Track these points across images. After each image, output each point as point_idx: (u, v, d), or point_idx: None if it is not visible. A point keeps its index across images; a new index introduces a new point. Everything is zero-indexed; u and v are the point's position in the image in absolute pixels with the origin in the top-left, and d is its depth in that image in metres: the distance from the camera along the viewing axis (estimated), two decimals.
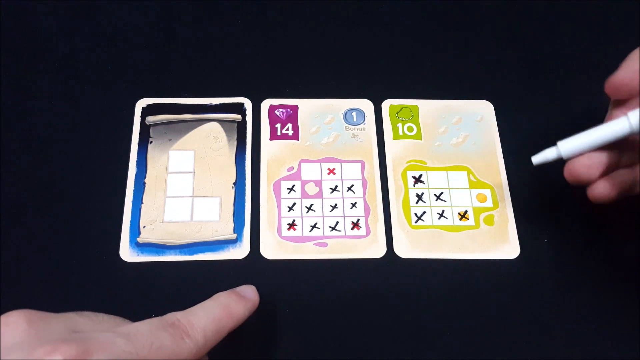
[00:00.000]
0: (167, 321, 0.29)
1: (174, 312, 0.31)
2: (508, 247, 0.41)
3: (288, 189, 0.43)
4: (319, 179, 0.43)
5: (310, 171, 0.44)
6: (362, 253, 0.40)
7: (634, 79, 0.34)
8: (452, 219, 0.42)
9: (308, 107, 0.46)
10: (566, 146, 0.37)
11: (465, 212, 0.42)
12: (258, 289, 0.39)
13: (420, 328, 0.38)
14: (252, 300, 0.35)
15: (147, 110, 0.46)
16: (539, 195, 0.43)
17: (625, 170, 0.37)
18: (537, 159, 0.38)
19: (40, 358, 0.25)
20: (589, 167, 0.36)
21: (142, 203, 0.42)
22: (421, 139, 0.45)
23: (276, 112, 0.46)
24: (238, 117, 0.46)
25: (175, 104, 0.46)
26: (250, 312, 0.34)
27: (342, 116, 0.46)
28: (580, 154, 0.36)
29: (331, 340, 0.37)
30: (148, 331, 0.28)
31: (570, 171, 0.36)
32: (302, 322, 0.38)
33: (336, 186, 0.43)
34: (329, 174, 0.43)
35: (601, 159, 0.36)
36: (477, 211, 0.42)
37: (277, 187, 0.43)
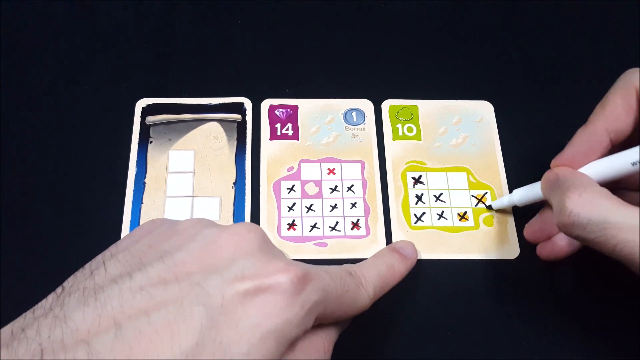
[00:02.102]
0: (347, 270, 0.31)
1: (349, 264, 0.32)
2: (508, 247, 0.41)
3: (288, 189, 0.43)
4: (319, 179, 0.43)
5: (310, 171, 0.44)
6: (362, 253, 0.40)
7: (575, 159, 0.36)
8: (452, 219, 0.42)
9: (308, 107, 0.46)
10: (518, 194, 0.40)
11: (465, 212, 0.42)
12: None
13: (420, 328, 0.38)
14: (412, 258, 0.37)
15: (147, 110, 0.46)
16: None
17: None
18: (495, 204, 0.42)
19: (272, 273, 0.26)
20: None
21: (142, 203, 0.42)
22: (421, 140, 0.45)
23: (276, 112, 0.46)
24: (238, 117, 0.46)
25: (175, 104, 0.46)
26: (409, 270, 0.36)
27: (342, 116, 0.46)
28: (531, 203, 0.39)
29: None
30: (339, 273, 0.30)
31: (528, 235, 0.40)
32: None
33: (336, 186, 0.43)
34: (328, 174, 0.43)
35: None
36: (477, 212, 0.42)
37: (277, 187, 0.43)
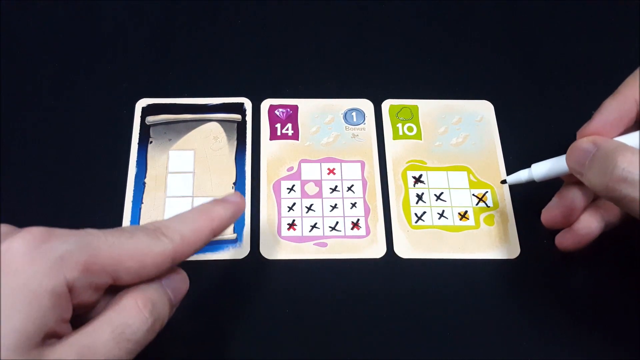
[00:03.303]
0: (145, 226, 0.30)
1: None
2: (508, 247, 0.41)
3: (288, 189, 0.43)
4: (319, 179, 0.43)
5: (310, 171, 0.44)
6: (362, 253, 0.40)
7: (604, 129, 0.35)
8: (452, 219, 0.42)
9: (308, 107, 0.46)
10: (538, 169, 0.38)
11: (466, 212, 0.42)
12: (258, 289, 0.39)
13: (420, 328, 0.38)
14: (234, 201, 0.33)
15: (147, 110, 0.46)
16: (539, 195, 0.43)
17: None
18: (511, 178, 0.39)
19: (9, 234, 0.27)
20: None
21: (142, 203, 0.42)
22: (421, 139, 0.45)
23: (276, 112, 0.46)
24: (238, 117, 0.46)
25: (175, 104, 0.46)
26: (234, 214, 0.33)
27: (342, 116, 0.46)
28: (551, 178, 0.38)
29: (331, 340, 0.37)
30: (127, 228, 0.29)
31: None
32: (302, 322, 0.38)
33: (336, 186, 0.43)
34: (328, 174, 0.43)
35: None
36: (477, 211, 0.42)
37: (277, 187, 0.43)
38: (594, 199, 0.38)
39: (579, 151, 0.35)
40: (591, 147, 0.34)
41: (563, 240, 0.38)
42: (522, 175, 0.39)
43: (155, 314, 0.28)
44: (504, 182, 0.40)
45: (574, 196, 0.37)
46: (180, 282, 0.31)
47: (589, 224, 0.37)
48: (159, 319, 0.29)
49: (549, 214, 0.38)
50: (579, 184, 0.36)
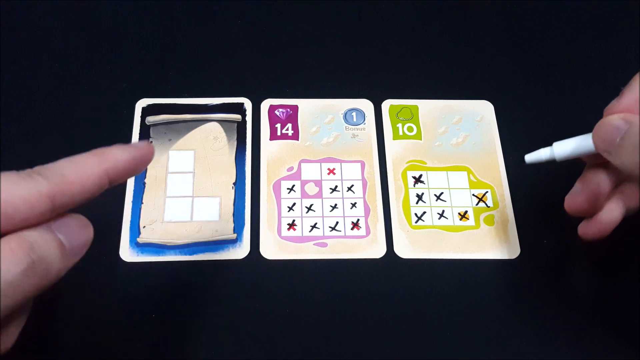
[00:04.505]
0: (23, 170, 0.28)
1: None
2: (508, 247, 0.41)
3: (288, 189, 0.43)
4: (319, 179, 0.43)
5: (310, 171, 0.44)
6: (362, 253, 0.40)
7: (631, 106, 0.34)
8: (452, 219, 0.42)
9: (308, 107, 0.46)
10: (560, 148, 0.36)
11: (466, 212, 0.42)
12: (258, 289, 0.39)
13: (420, 328, 0.38)
14: (136, 145, 0.30)
15: (147, 110, 0.46)
16: (539, 195, 0.43)
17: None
18: (531, 157, 0.37)
19: None
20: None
21: (142, 203, 0.42)
22: (421, 139, 0.45)
23: (276, 112, 0.46)
24: (238, 117, 0.46)
25: (175, 104, 0.46)
26: (134, 158, 0.30)
27: (342, 116, 0.46)
28: (574, 158, 0.36)
29: (331, 340, 0.37)
30: None
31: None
32: (302, 322, 0.38)
33: (336, 186, 0.43)
34: (329, 174, 0.43)
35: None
36: (477, 211, 0.42)
37: (277, 187, 0.43)
38: (617, 184, 0.36)
39: (609, 128, 0.33)
40: (622, 124, 0.32)
41: (587, 231, 0.37)
42: (542, 154, 0.36)
43: (34, 255, 0.26)
44: (523, 161, 0.37)
45: (600, 181, 0.35)
46: (76, 226, 0.29)
47: (613, 212, 0.36)
48: (40, 260, 0.27)
49: (574, 201, 0.36)
50: (603, 166, 0.35)
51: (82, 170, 0.28)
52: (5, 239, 0.26)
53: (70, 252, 0.28)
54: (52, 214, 0.27)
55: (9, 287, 0.25)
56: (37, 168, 0.28)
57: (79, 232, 0.29)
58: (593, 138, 0.34)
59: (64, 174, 0.28)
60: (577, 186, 0.36)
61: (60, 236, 0.28)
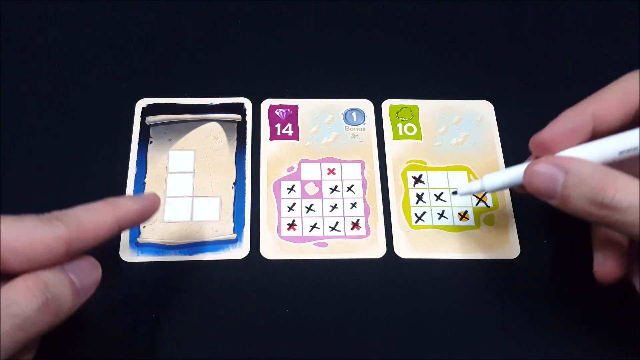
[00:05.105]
0: (42, 214, 0.30)
1: None
2: (508, 247, 0.41)
3: (288, 189, 0.43)
4: (319, 179, 0.43)
5: (310, 171, 0.44)
6: (362, 253, 0.40)
7: (555, 138, 0.34)
8: (452, 219, 0.42)
9: (308, 107, 0.46)
10: (490, 181, 0.36)
11: (466, 212, 0.42)
12: (258, 289, 0.39)
13: (420, 328, 0.38)
14: (146, 197, 0.33)
15: (147, 110, 0.46)
16: None
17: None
18: (462, 190, 0.37)
19: None
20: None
21: None
22: (421, 139, 0.45)
23: (276, 112, 0.46)
24: (238, 117, 0.46)
25: (175, 104, 0.46)
26: (144, 207, 0.33)
27: (342, 116, 0.46)
28: (502, 189, 0.36)
29: (331, 340, 0.37)
30: (21, 215, 0.29)
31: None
32: (302, 322, 0.38)
33: (336, 186, 0.43)
34: (328, 174, 0.43)
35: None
36: (477, 211, 0.42)
37: (277, 187, 0.43)
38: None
39: (544, 177, 0.33)
40: (556, 171, 0.33)
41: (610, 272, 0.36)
42: (473, 187, 0.36)
43: (48, 293, 0.28)
44: (454, 193, 0.37)
45: (618, 239, 0.35)
46: (87, 268, 0.31)
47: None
48: (54, 298, 0.29)
49: (606, 271, 0.36)
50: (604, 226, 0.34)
51: (97, 218, 0.31)
52: (22, 278, 0.28)
53: (81, 291, 0.31)
54: (66, 257, 0.30)
55: (25, 322, 0.27)
56: (55, 213, 0.30)
57: (89, 273, 0.31)
58: (528, 184, 0.34)
59: (81, 221, 0.30)
60: (598, 255, 0.36)
61: (73, 276, 0.30)
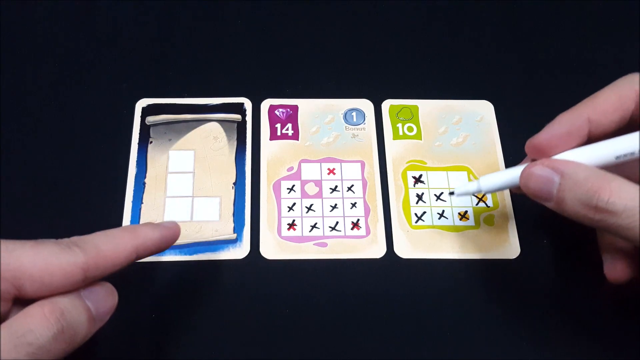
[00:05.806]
0: (61, 239, 0.30)
1: None
2: (508, 247, 0.41)
3: (288, 189, 0.43)
4: (319, 179, 0.43)
5: (310, 171, 0.44)
6: (362, 253, 0.40)
7: (551, 141, 0.35)
8: (452, 219, 0.42)
9: (308, 107, 0.46)
10: (486, 182, 0.36)
11: (466, 212, 0.42)
12: (258, 289, 0.39)
13: (420, 328, 0.38)
14: (166, 225, 0.33)
15: (147, 110, 0.46)
16: None
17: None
18: (459, 190, 0.37)
19: None
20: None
21: (142, 203, 0.42)
22: (421, 139, 0.45)
23: (276, 112, 0.46)
24: (238, 117, 0.46)
25: (175, 104, 0.46)
26: (164, 236, 0.33)
27: (342, 116, 0.46)
28: (499, 190, 0.36)
29: (331, 340, 0.37)
30: (40, 240, 0.29)
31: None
32: (302, 322, 0.38)
33: (336, 186, 0.43)
34: (329, 174, 0.43)
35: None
36: (477, 211, 0.42)
37: (277, 187, 0.43)
38: None
39: (540, 180, 0.33)
40: (552, 175, 0.33)
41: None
42: (470, 187, 0.36)
43: (64, 321, 0.28)
44: (451, 193, 0.37)
45: (623, 242, 0.35)
46: (104, 294, 0.31)
47: None
48: (69, 326, 0.28)
49: (616, 271, 0.36)
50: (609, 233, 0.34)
51: (116, 246, 0.30)
52: (39, 304, 0.28)
53: (97, 317, 0.30)
54: (83, 283, 0.29)
55: (39, 351, 0.27)
56: (74, 239, 0.30)
57: (105, 300, 0.31)
58: (525, 187, 0.34)
59: (99, 248, 0.30)
60: (607, 257, 0.37)
61: (89, 303, 0.30)
